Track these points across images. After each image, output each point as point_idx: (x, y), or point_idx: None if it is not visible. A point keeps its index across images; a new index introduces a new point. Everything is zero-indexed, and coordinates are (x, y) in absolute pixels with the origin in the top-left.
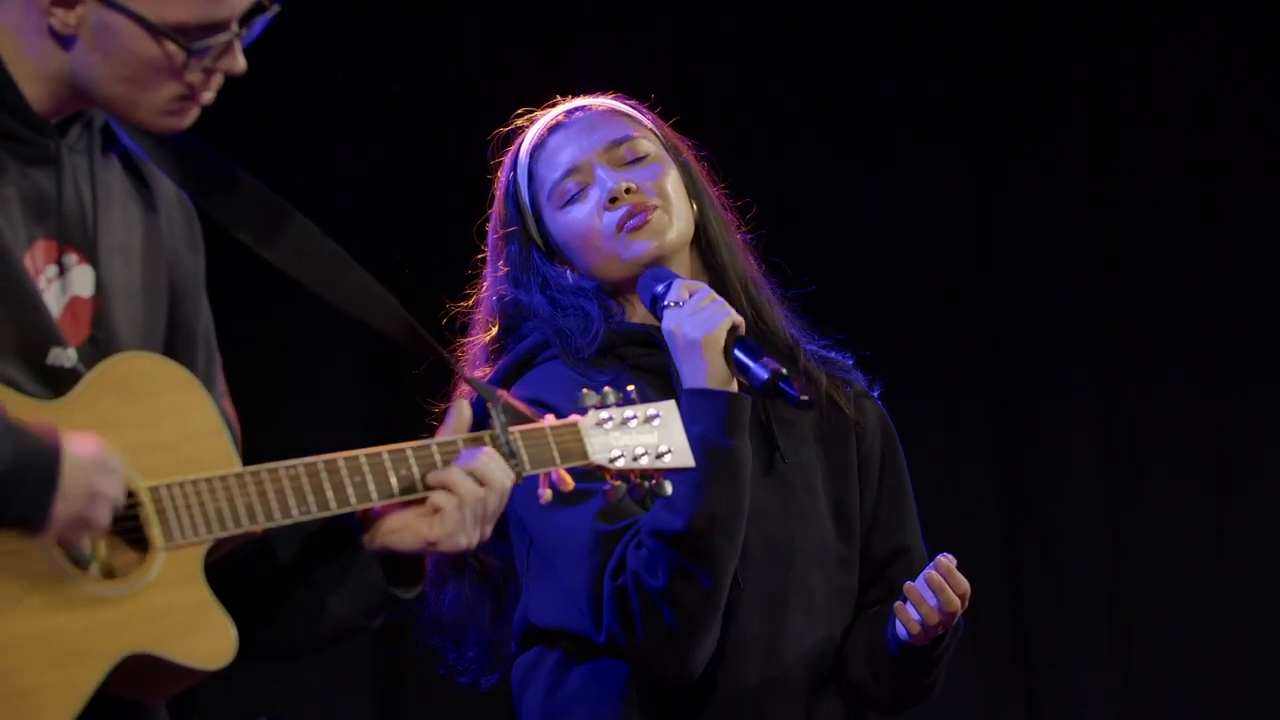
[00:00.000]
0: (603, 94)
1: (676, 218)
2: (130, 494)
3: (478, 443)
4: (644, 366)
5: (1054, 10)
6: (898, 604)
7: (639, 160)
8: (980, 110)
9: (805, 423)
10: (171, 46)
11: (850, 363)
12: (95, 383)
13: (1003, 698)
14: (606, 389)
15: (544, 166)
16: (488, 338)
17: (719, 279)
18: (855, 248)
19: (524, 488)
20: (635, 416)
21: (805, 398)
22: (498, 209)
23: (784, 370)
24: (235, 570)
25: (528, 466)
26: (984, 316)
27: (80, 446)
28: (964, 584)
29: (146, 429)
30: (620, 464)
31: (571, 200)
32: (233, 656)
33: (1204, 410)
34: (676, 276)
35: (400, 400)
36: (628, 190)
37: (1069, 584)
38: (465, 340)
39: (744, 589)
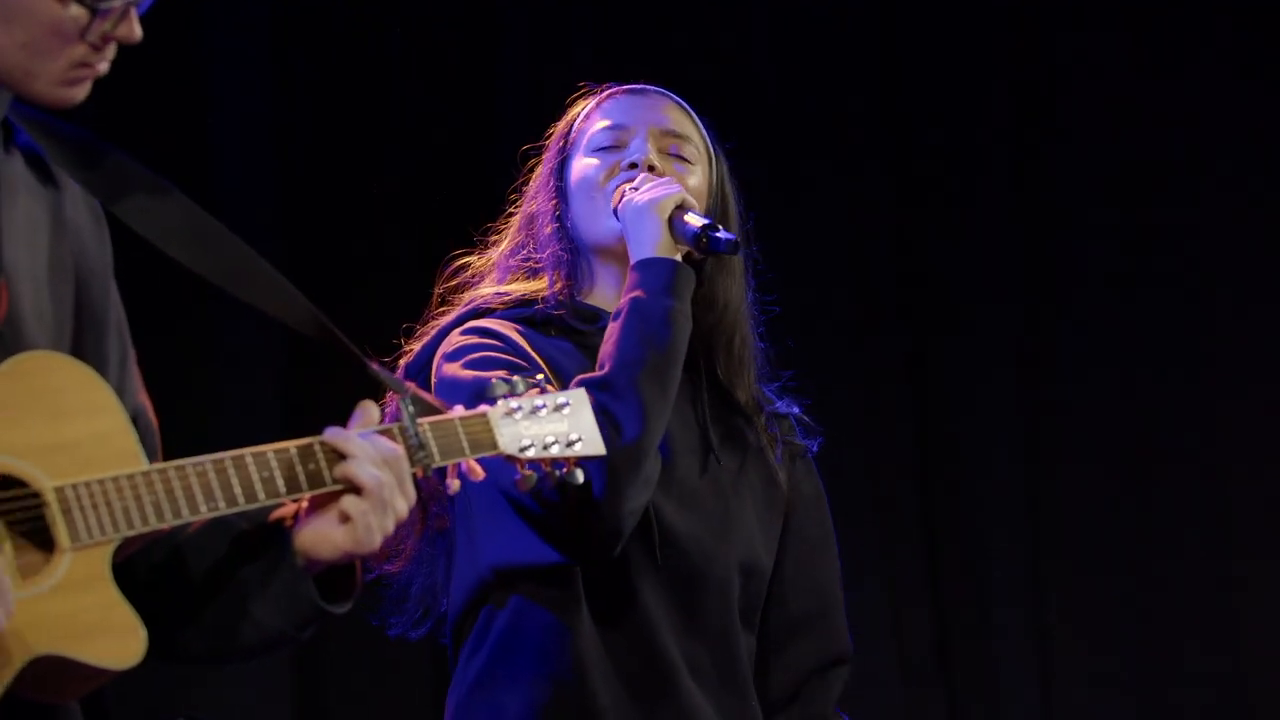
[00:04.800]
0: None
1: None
2: (36, 494)
3: (386, 436)
4: (589, 345)
5: (980, 30)
6: None
7: (680, 158)
8: (903, 129)
9: (743, 441)
10: (75, 8)
11: (796, 411)
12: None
13: (924, 700)
14: (516, 378)
15: (598, 115)
16: (508, 246)
17: (704, 314)
18: (778, 262)
19: None
20: (545, 405)
21: (733, 238)
22: (552, 150)
23: (715, 222)
24: (159, 575)
25: (437, 458)
26: (906, 323)
27: None
28: None
29: (52, 428)
30: (531, 453)
31: (599, 150)
32: (142, 656)
33: (1123, 410)
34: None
35: (321, 397)
36: (651, 167)
37: (989, 587)
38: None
39: (662, 564)
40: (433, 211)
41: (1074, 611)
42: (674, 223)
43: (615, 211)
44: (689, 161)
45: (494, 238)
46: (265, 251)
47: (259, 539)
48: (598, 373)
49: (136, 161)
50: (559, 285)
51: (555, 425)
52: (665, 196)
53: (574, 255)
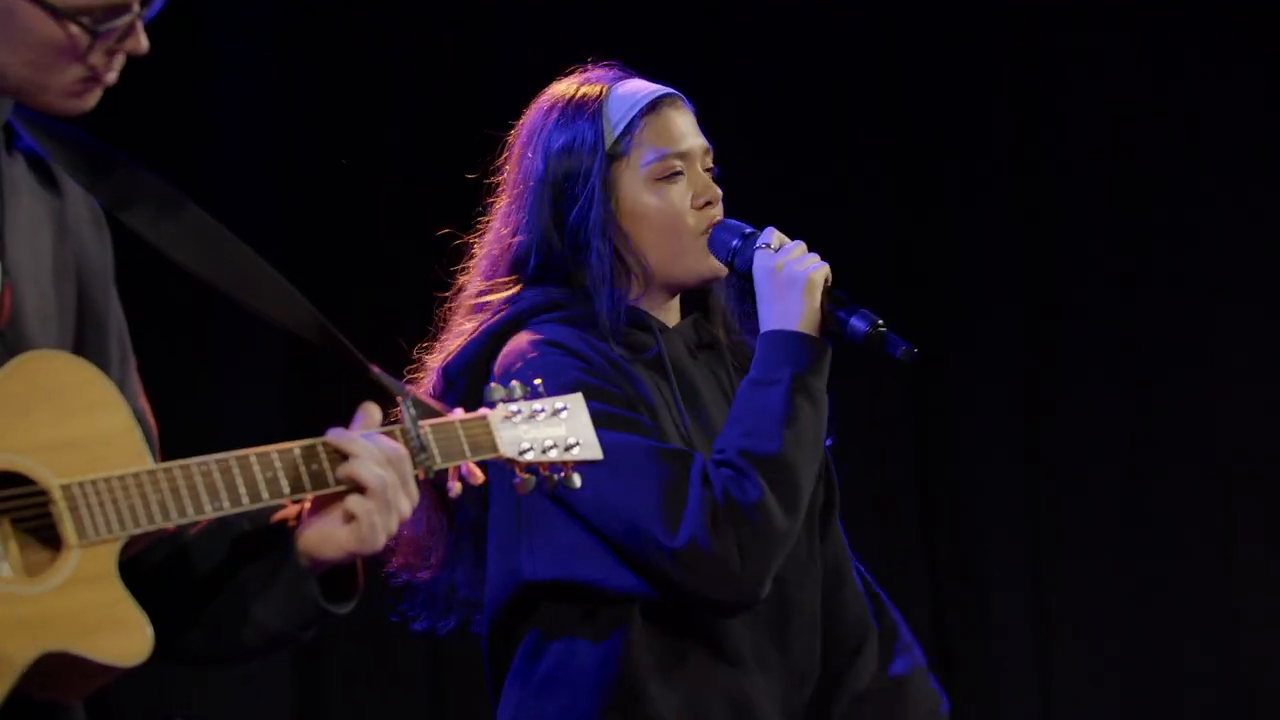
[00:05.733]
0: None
1: None
2: (42, 492)
3: (388, 437)
4: (643, 359)
5: (980, 29)
6: None
7: (713, 174)
8: (903, 130)
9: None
10: (75, 29)
11: None
12: (4, 381)
13: None
14: (514, 383)
15: (652, 133)
16: (486, 285)
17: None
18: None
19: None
20: (543, 410)
21: (911, 349)
22: (559, 151)
23: (881, 322)
24: (162, 575)
25: (438, 460)
26: (908, 324)
27: None
28: None
29: (57, 427)
30: (529, 457)
31: (668, 178)
32: (149, 653)
33: (1123, 409)
34: (752, 227)
35: (325, 398)
36: (714, 202)
37: (988, 588)
38: (462, 267)
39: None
40: (432, 213)
41: (1073, 612)
42: (831, 311)
43: (738, 258)
44: (714, 174)
45: (487, 220)
46: (264, 253)
47: (261, 540)
48: (766, 449)
49: (139, 164)
50: (623, 297)
51: (554, 429)
52: (819, 270)
53: (630, 271)
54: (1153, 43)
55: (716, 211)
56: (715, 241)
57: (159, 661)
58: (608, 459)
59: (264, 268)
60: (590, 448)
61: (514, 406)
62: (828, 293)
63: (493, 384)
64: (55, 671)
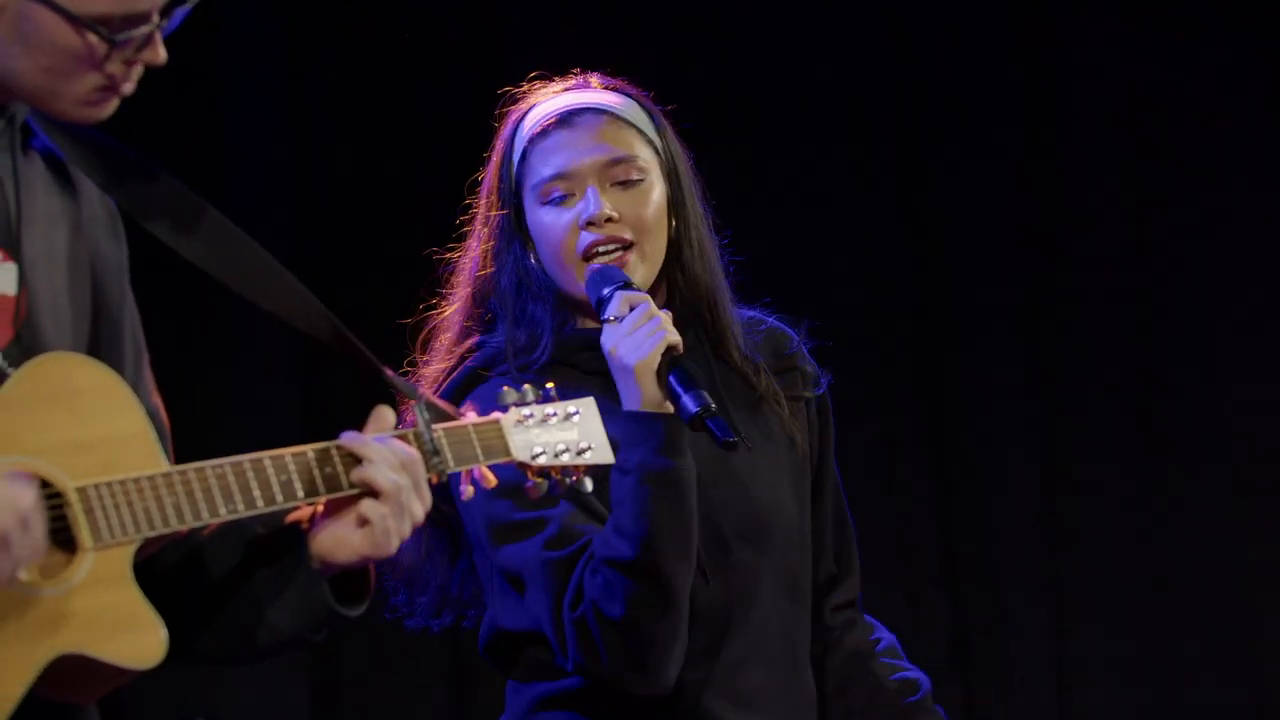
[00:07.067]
0: (621, 84)
1: (647, 256)
2: (58, 494)
3: (401, 441)
4: (596, 371)
5: (989, 16)
6: None
7: (631, 183)
8: (911, 111)
9: (755, 405)
10: (93, 38)
11: (805, 349)
12: (20, 382)
13: (941, 697)
14: (526, 386)
15: (537, 158)
16: (453, 310)
17: (685, 296)
18: (785, 247)
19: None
20: (555, 414)
21: (731, 439)
22: (490, 177)
23: (712, 406)
24: (175, 577)
25: (451, 464)
26: (920, 319)
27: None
28: None
29: (72, 429)
30: (542, 461)
31: (553, 202)
32: (163, 656)
33: (1139, 408)
34: (621, 282)
35: (338, 399)
36: (608, 220)
37: (1005, 586)
38: (444, 295)
39: (711, 582)
40: (447, 217)
41: (1090, 609)
42: (668, 387)
43: (600, 311)
44: (639, 180)
45: (449, 289)
46: (277, 253)
47: (274, 542)
48: (625, 554)
49: (154, 163)
50: (549, 329)
51: (566, 433)
52: (650, 351)
53: (552, 299)
54: (1164, 32)
55: (608, 233)
56: (589, 285)
57: (169, 661)
58: (516, 571)
59: (278, 269)
60: (602, 451)
61: (526, 410)
62: (671, 367)
63: (505, 388)
64: (70, 673)
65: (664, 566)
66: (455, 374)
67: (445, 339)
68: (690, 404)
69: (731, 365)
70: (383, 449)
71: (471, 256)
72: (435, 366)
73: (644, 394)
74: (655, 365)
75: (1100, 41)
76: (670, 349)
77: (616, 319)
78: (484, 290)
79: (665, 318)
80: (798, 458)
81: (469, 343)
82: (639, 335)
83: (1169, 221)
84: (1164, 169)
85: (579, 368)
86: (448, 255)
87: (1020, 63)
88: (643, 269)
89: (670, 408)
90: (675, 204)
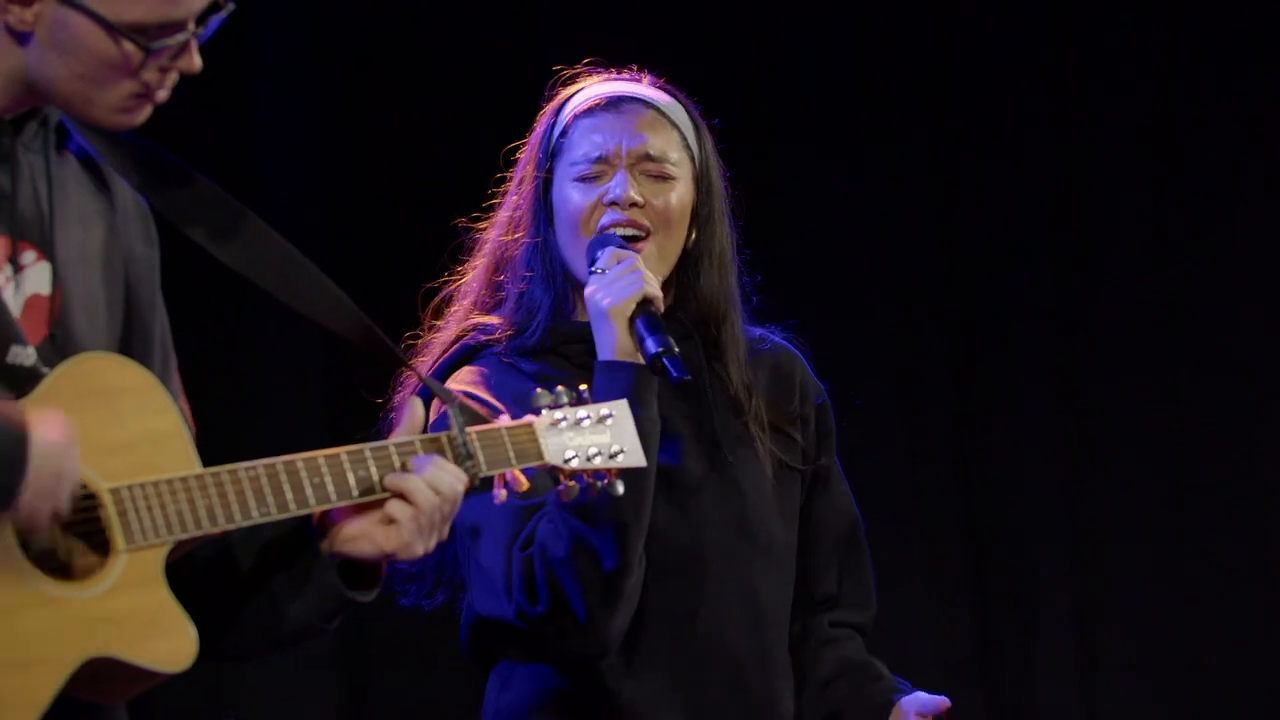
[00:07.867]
0: (673, 87)
1: (660, 250)
2: (92, 495)
3: (435, 445)
4: (585, 365)
5: (1020, 12)
6: None
7: (661, 178)
8: (943, 107)
9: (744, 428)
10: (129, 46)
11: (806, 363)
12: (57, 383)
13: (965, 699)
14: (560, 388)
15: (578, 133)
16: (470, 276)
17: (693, 307)
18: (816, 251)
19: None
20: (588, 416)
21: (685, 378)
22: (533, 147)
23: (675, 349)
24: (195, 575)
25: (484, 468)
26: (946, 322)
27: (47, 429)
28: None
29: (107, 430)
30: (574, 464)
31: (583, 179)
32: (194, 659)
33: (1164, 408)
34: (614, 244)
35: (362, 400)
36: (633, 204)
37: (1030, 588)
38: (461, 268)
39: (676, 587)
40: (475, 214)
41: (1115, 611)
42: (635, 328)
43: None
44: (671, 178)
45: (471, 255)
46: (309, 253)
47: (285, 533)
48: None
49: (188, 164)
50: (545, 315)
51: (598, 437)
52: (626, 298)
53: (559, 280)
54: (1195, 26)
55: (631, 216)
56: (589, 250)
57: (196, 661)
58: (479, 522)
59: (311, 270)
60: (634, 455)
61: (559, 414)
62: (641, 315)
63: (538, 390)
64: (100, 675)
65: (614, 516)
66: (450, 352)
67: (461, 306)
68: (652, 345)
69: (727, 382)
70: (427, 492)
71: (497, 224)
72: (438, 337)
73: (617, 342)
74: (629, 312)
75: (1131, 37)
76: (647, 300)
77: (602, 270)
78: (501, 260)
79: (649, 275)
80: (785, 477)
81: (467, 323)
82: (620, 283)
83: (1198, 221)
84: (1194, 167)
85: (569, 359)
86: (476, 227)
87: (1049, 71)
88: (653, 261)
89: (641, 360)
90: (700, 213)
